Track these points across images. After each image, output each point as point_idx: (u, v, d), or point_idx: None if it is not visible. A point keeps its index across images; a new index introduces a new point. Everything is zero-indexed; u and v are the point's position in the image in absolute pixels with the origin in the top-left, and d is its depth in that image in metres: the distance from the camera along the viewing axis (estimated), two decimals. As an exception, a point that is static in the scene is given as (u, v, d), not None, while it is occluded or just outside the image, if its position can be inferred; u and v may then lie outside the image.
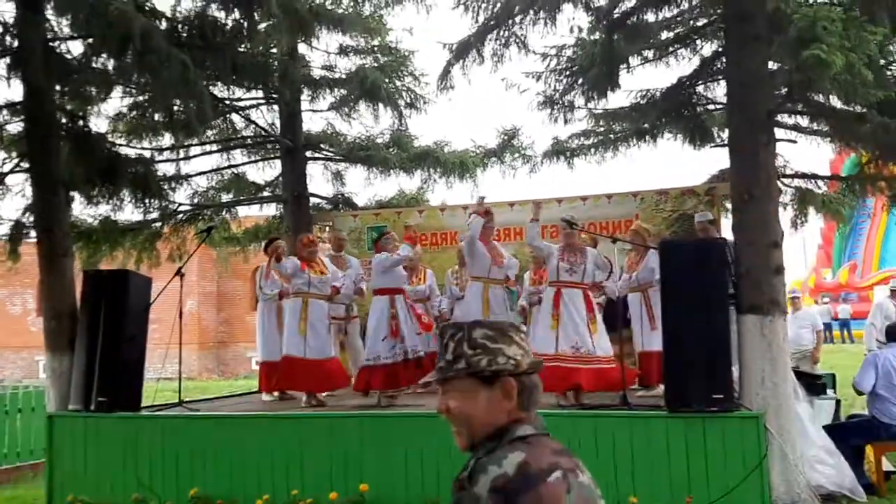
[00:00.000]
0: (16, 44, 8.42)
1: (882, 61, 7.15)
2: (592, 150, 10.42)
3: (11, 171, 9.06)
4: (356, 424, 7.20)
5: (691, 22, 8.79)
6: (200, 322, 27.58)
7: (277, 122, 11.90)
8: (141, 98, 10.09)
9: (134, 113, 10.39)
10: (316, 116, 12.45)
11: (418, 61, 13.03)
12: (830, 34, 5.97)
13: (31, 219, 9.06)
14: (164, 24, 8.57)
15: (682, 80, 8.79)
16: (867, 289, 33.17)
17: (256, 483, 7.21)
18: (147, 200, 10.11)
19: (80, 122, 9.25)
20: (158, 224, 11.19)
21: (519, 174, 12.02)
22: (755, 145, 7.05)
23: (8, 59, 8.50)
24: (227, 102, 11.16)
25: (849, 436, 7.40)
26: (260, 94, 11.53)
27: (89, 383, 7.79)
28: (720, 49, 8.45)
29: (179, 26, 8.77)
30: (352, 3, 11.28)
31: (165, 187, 10.73)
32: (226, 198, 12.33)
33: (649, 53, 8.95)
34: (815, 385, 8.24)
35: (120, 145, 10.25)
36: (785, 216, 9.36)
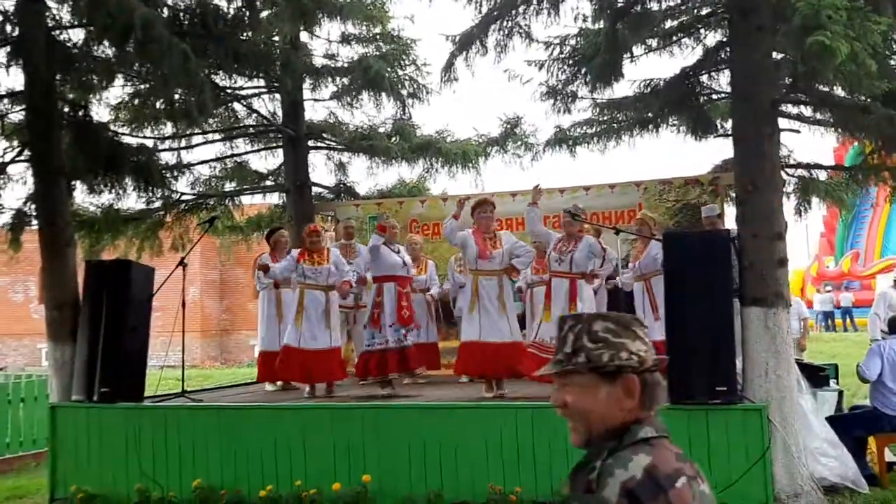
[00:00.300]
0: (16, 32, 8.39)
1: (887, 52, 7.11)
2: (595, 138, 10.37)
3: (13, 161, 9.04)
4: (359, 415, 7.21)
5: (695, 11, 8.73)
6: (203, 310, 27.60)
7: (279, 111, 11.87)
8: (142, 86, 10.06)
9: (135, 101, 10.36)
10: (318, 105, 12.45)
11: (421, 50, 13.00)
12: (835, 22, 5.92)
13: (33, 208, 9.05)
14: (165, 13, 8.54)
15: (686, 70, 8.75)
16: (869, 277, 33.13)
17: (259, 474, 7.22)
18: (149, 189, 10.09)
19: (82, 111, 9.23)
20: (161, 213, 11.18)
21: (522, 164, 11.99)
22: (759, 136, 7.02)
23: (9, 48, 8.47)
24: (229, 91, 11.13)
25: (851, 427, 7.40)
26: (262, 82, 11.50)
27: (92, 373, 7.79)
28: (724, 39, 8.40)
29: (181, 15, 8.74)
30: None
31: (168, 176, 10.71)
32: (228, 187, 12.32)
33: (653, 43, 8.91)
34: (818, 377, 8.23)
35: (122, 134, 10.24)
36: (788, 205, 9.34)
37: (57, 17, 8.75)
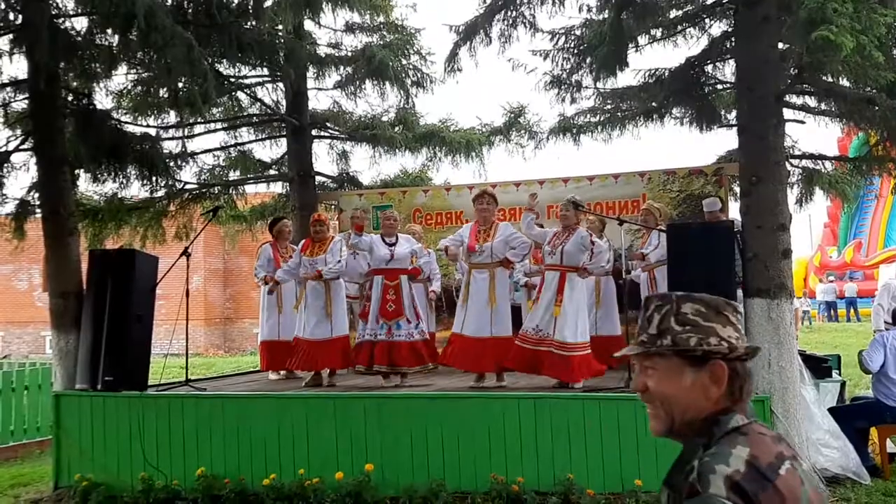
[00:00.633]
0: (20, 20, 8.37)
1: (892, 43, 7.08)
2: (599, 128, 10.35)
3: (16, 150, 9.04)
4: (361, 405, 7.22)
5: (700, 1, 8.71)
6: (207, 298, 27.64)
7: (283, 101, 11.86)
8: (146, 75, 10.04)
9: (139, 90, 10.35)
10: (322, 95, 12.45)
11: (425, 39, 12.97)
12: (840, 15, 5.90)
13: (37, 197, 9.06)
14: (169, 1, 8.52)
15: (691, 60, 8.73)
16: (872, 267, 33.08)
17: (263, 462, 7.25)
18: (153, 178, 10.09)
19: (85, 100, 9.23)
20: (165, 202, 11.19)
21: (525, 153, 11.97)
22: (764, 127, 7.01)
23: (12, 36, 8.45)
24: (233, 80, 11.10)
25: (853, 418, 7.41)
26: (266, 71, 11.47)
27: (96, 362, 7.81)
28: (729, 29, 8.37)
29: (185, 3, 8.72)
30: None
31: (171, 165, 10.71)
32: (232, 176, 12.33)
33: (658, 32, 8.88)
34: (820, 368, 8.24)
35: (125, 123, 10.23)
36: (791, 195, 9.33)
37: (60, 5, 8.74)
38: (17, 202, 9.27)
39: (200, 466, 7.26)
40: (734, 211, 9.06)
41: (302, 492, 6.84)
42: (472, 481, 6.77)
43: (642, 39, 8.60)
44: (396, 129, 12.06)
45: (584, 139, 10.52)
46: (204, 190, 11.76)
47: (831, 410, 7.36)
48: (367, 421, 7.12)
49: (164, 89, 9.51)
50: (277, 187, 13.03)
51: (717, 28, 8.86)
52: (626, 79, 9.40)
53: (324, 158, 22.30)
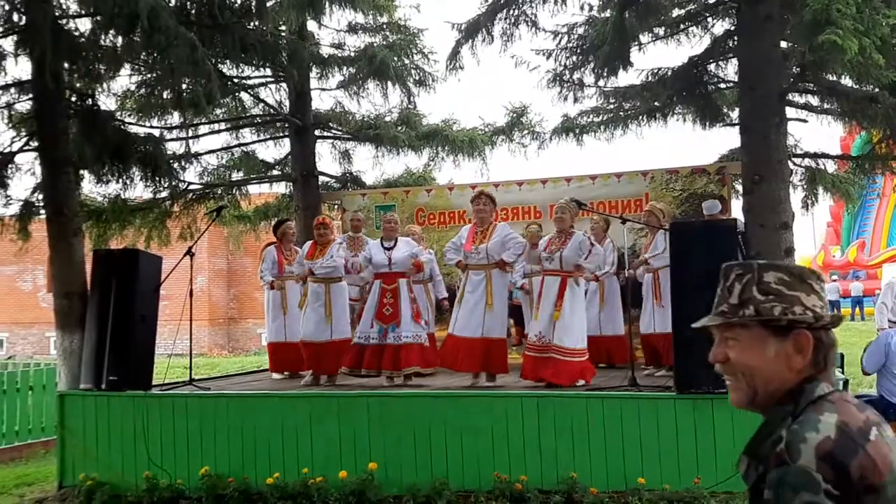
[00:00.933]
0: (24, 21, 8.39)
1: (894, 42, 7.08)
2: (602, 127, 10.36)
3: (21, 151, 9.06)
4: (364, 404, 7.23)
5: (703, 0, 8.72)
6: (211, 299, 27.66)
7: (286, 101, 11.88)
8: (149, 76, 10.06)
9: (142, 91, 10.36)
10: (325, 95, 12.45)
11: (427, 39, 12.98)
12: (844, 17, 5.91)
13: (41, 198, 9.08)
14: (172, 2, 8.54)
15: (694, 59, 8.73)
16: (875, 266, 33.06)
17: (267, 461, 7.27)
18: (157, 179, 10.11)
19: (89, 101, 9.25)
20: (168, 203, 11.21)
21: (528, 152, 11.99)
22: (766, 126, 7.02)
23: (16, 37, 8.47)
24: (236, 81, 11.13)
25: (857, 416, 7.39)
26: (269, 72, 11.49)
27: (100, 362, 7.83)
28: (732, 28, 8.38)
29: (188, 4, 8.74)
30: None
31: (175, 166, 10.73)
32: (235, 176, 12.35)
33: (660, 31, 8.89)
34: (823, 366, 8.21)
35: (129, 123, 10.25)
36: (795, 196, 9.33)
37: (64, 6, 8.76)
38: (21, 203, 9.29)
39: (204, 465, 7.27)
40: (737, 210, 9.06)
41: (305, 491, 6.85)
42: (475, 480, 6.78)
43: (645, 38, 8.62)
44: (399, 128, 12.06)
45: (587, 139, 10.53)
46: (207, 190, 11.78)
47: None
48: (371, 420, 7.13)
49: (168, 90, 9.53)
50: (281, 187, 13.07)
51: (720, 27, 8.89)
52: (628, 78, 9.40)
53: (327, 158, 22.40)
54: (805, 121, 8.42)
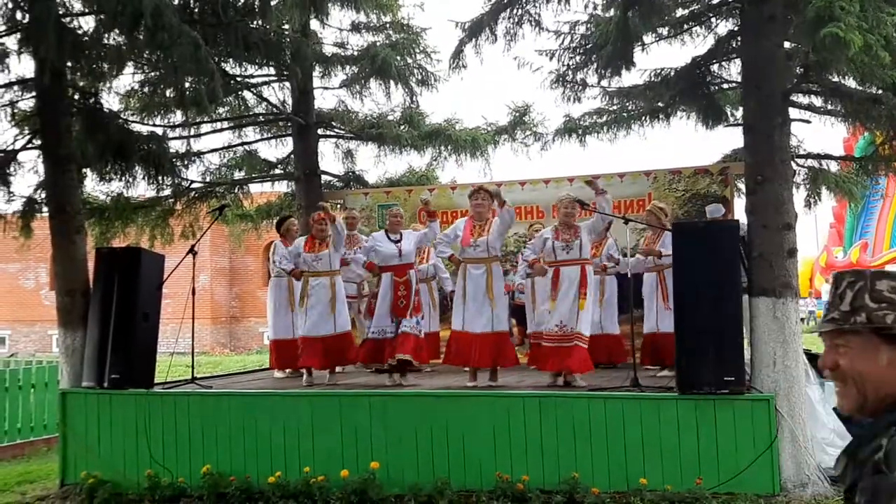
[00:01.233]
0: (27, 19, 8.40)
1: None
2: (605, 128, 10.34)
3: (24, 148, 9.06)
4: (366, 403, 7.24)
5: (707, 0, 8.69)
6: (213, 297, 27.68)
7: (289, 100, 11.87)
8: (152, 74, 10.07)
9: (145, 89, 10.36)
10: (328, 94, 12.45)
11: (430, 38, 12.98)
12: (848, 14, 5.90)
13: (44, 195, 9.09)
14: (175, 0, 8.53)
15: (697, 59, 8.72)
16: (878, 267, 33.02)
17: (268, 460, 7.28)
18: (159, 177, 10.09)
19: (92, 99, 9.25)
20: (171, 201, 11.22)
21: (530, 152, 11.98)
22: (770, 127, 7.01)
23: (19, 35, 8.47)
24: (239, 79, 11.13)
25: (859, 418, 7.39)
26: (272, 71, 11.49)
27: (102, 360, 7.85)
28: (735, 28, 8.36)
29: (191, 2, 8.73)
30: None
31: (178, 164, 10.72)
32: (238, 175, 12.35)
33: (664, 31, 8.87)
34: (826, 367, 8.21)
35: (132, 122, 10.25)
36: (798, 196, 9.31)
37: (67, 5, 8.75)
38: (24, 200, 9.29)
39: (206, 464, 7.29)
40: (739, 210, 9.06)
41: (307, 489, 6.86)
42: (477, 479, 6.78)
43: (648, 38, 8.59)
44: (402, 127, 12.06)
45: (590, 139, 10.51)
46: (210, 189, 11.78)
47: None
48: (373, 419, 7.15)
49: (171, 88, 9.52)
50: (283, 186, 13.07)
51: (724, 27, 8.85)
52: (631, 78, 9.39)
53: (329, 157, 22.44)
54: (809, 121, 8.40)
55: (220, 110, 11.52)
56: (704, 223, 8.23)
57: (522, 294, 9.73)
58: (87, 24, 8.82)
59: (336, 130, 12.50)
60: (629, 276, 8.73)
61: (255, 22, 8.84)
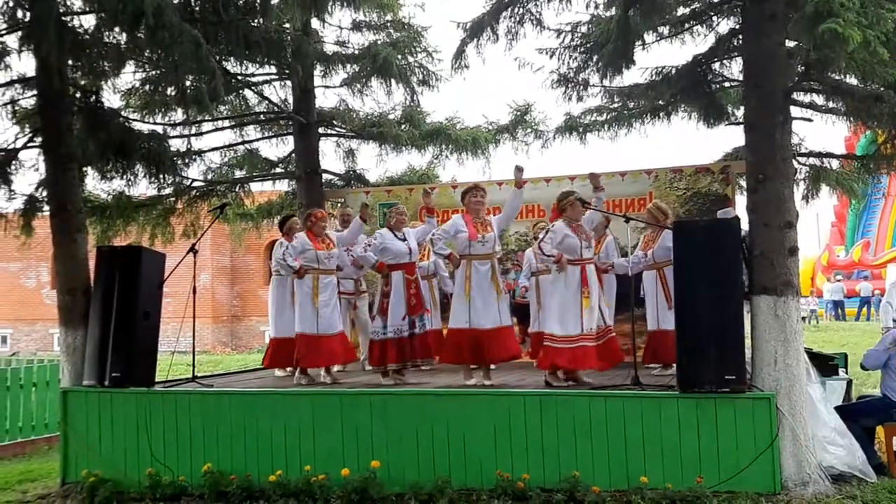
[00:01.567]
0: (28, 17, 8.39)
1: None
2: (606, 126, 10.32)
3: (25, 147, 9.06)
4: (367, 401, 7.24)
5: (708, -2, 8.69)
6: (214, 296, 27.69)
7: (290, 99, 11.87)
8: (153, 73, 10.07)
9: (146, 87, 10.37)
10: (329, 93, 12.46)
11: (432, 37, 12.97)
12: (847, 10, 5.89)
13: (45, 194, 9.09)
14: (176, -1, 8.53)
15: (698, 57, 8.71)
16: (880, 266, 33.02)
17: (269, 459, 7.29)
18: (160, 176, 10.08)
19: (93, 97, 9.24)
20: (172, 200, 11.23)
21: (531, 150, 11.98)
22: (771, 124, 7.00)
23: (20, 33, 8.47)
24: (240, 78, 11.13)
25: (860, 416, 7.39)
26: (273, 69, 11.49)
27: (103, 358, 7.86)
28: (737, 27, 8.35)
29: (192, 1, 8.72)
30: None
31: (179, 163, 10.71)
32: (239, 174, 12.36)
33: (665, 30, 8.85)
34: (827, 366, 8.22)
35: (133, 120, 10.24)
36: (797, 193, 9.30)
37: (68, 3, 8.75)
38: (25, 199, 9.29)
39: (207, 462, 7.30)
40: (740, 208, 9.05)
41: (308, 488, 6.86)
42: (477, 478, 6.78)
43: (649, 37, 8.57)
44: (403, 126, 12.06)
45: (591, 137, 10.50)
46: (211, 188, 11.78)
47: (838, 409, 7.34)
48: (374, 417, 7.15)
49: (172, 87, 9.51)
50: (284, 185, 13.08)
51: (725, 25, 8.84)
52: (633, 77, 9.40)
53: (330, 156, 22.44)
54: (810, 120, 8.39)
55: (221, 109, 11.52)
56: (705, 222, 8.22)
57: (525, 296, 9.74)
58: (88, 22, 8.83)
59: (337, 129, 12.50)
60: (629, 274, 8.74)
61: (255, 20, 8.84)
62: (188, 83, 8.87)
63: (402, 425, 7.08)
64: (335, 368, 8.97)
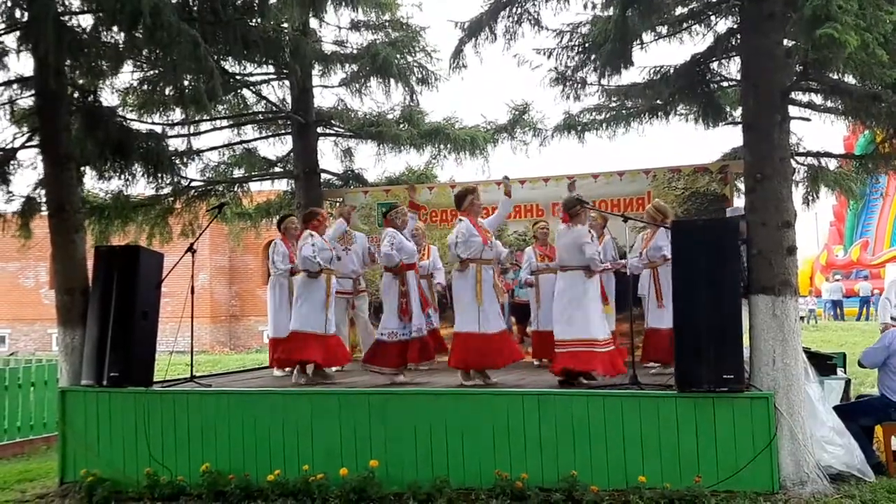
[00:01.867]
0: (26, 17, 8.38)
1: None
2: (604, 125, 10.32)
3: (23, 147, 9.06)
4: (366, 401, 7.24)
5: (706, -2, 8.69)
6: (212, 296, 27.68)
7: (289, 98, 11.86)
8: (151, 72, 10.05)
9: (145, 87, 10.34)
10: (327, 92, 12.44)
11: (430, 37, 12.96)
12: (845, 13, 5.89)
13: (43, 194, 9.08)
14: (175, -2, 8.53)
15: (696, 57, 8.71)
16: (879, 266, 33.03)
17: (267, 458, 7.29)
18: (159, 176, 10.08)
19: (91, 97, 9.24)
20: (170, 199, 11.21)
21: (530, 151, 11.98)
22: (769, 124, 7.00)
23: (18, 33, 8.47)
24: (238, 77, 11.12)
25: (858, 416, 7.39)
26: (271, 69, 11.48)
27: (101, 358, 7.86)
28: (735, 26, 8.35)
29: (190, 0, 8.71)
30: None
31: (177, 162, 10.70)
32: (237, 173, 12.34)
33: (663, 29, 8.85)
34: (825, 366, 8.23)
35: (131, 120, 10.23)
36: (796, 194, 9.30)
37: (66, 3, 8.74)
38: (23, 199, 9.29)
39: (205, 462, 7.31)
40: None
41: (306, 488, 6.86)
42: (476, 477, 6.79)
43: (647, 37, 8.56)
44: (401, 126, 12.06)
45: (589, 137, 10.49)
46: (209, 187, 11.76)
47: (836, 408, 7.34)
48: (372, 417, 7.15)
49: (170, 87, 9.50)
50: (283, 185, 13.06)
51: (723, 25, 8.83)
52: (631, 76, 9.38)
53: (329, 156, 22.48)
54: (808, 119, 8.39)
55: (220, 108, 11.50)
56: (703, 221, 8.23)
57: (527, 290, 9.76)
58: (86, 22, 8.82)
59: (335, 129, 12.49)
60: (629, 273, 8.76)
61: (254, 20, 8.84)
62: (186, 83, 8.86)
63: (400, 425, 7.08)
64: (333, 369, 8.97)
